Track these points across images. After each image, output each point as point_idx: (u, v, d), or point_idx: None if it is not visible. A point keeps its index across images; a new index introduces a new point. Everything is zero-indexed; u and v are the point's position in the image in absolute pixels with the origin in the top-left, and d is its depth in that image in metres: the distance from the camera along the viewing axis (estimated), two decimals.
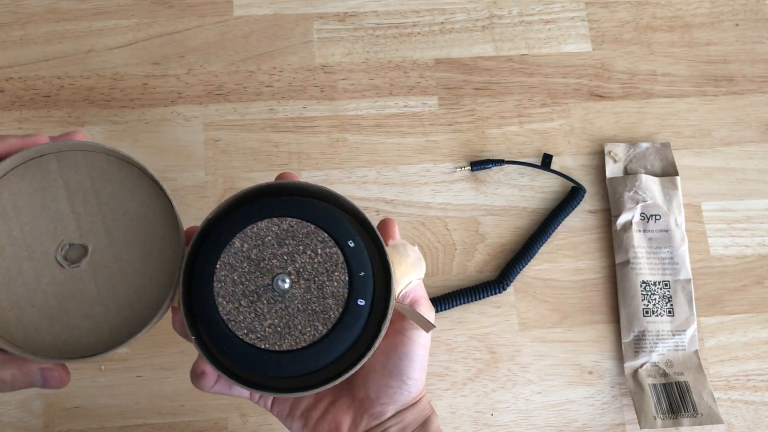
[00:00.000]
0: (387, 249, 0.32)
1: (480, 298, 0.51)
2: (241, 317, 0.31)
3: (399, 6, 0.59)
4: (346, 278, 0.31)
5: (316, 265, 0.31)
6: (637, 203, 0.54)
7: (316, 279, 0.31)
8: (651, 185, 0.54)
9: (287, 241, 0.32)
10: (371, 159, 0.55)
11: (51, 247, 0.34)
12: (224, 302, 0.31)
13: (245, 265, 0.31)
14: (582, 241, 0.54)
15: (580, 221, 0.55)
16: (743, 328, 0.53)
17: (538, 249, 0.53)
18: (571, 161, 0.56)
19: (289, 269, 0.31)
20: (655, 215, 0.54)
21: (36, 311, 0.33)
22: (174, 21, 0.57)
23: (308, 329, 0.31)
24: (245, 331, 0.31)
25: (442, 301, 0.51)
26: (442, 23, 0.59)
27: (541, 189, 0.55)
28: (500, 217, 0.54)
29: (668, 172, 0.55)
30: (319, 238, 0.32)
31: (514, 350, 0.51)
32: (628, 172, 0.55)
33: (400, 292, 0.33)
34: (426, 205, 0.54)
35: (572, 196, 0.54)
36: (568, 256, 0.54)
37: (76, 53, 0.56)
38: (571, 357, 0.52)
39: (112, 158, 0.34)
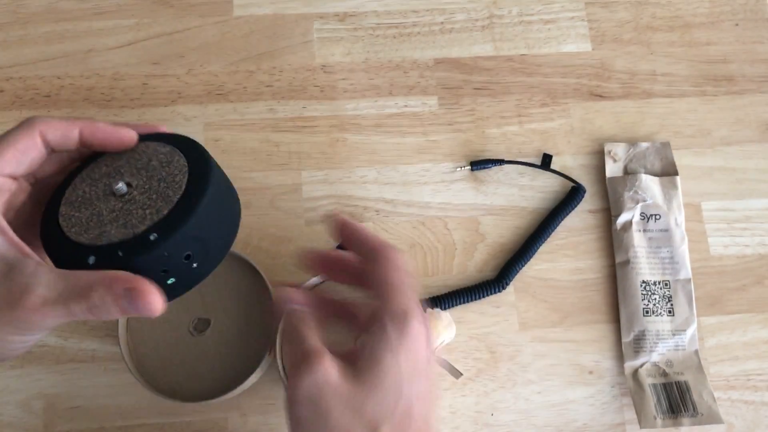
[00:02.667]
0: (426, 313, 0.39)
1: (480, 298, 0.51)
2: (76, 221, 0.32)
3: (399, 6, 0.59)
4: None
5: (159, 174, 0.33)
6: (637, 203, 0.54)
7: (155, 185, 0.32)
8: (651, 185, 0.54)
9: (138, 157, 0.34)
10: (371, 159, 0.55)
11: (186, 321, 0.46)
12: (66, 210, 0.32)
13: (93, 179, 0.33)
14: (582, 241, 0.54)
15: (580, 221, 0.55)
16: (743, 327, 0.53)
17: (538, 249, 0.53)
18: (571, 161, 0.56)
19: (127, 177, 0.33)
20: (655, 215, 0.54)
21: (175, 368, 0.45)
22: (174, 21, 0.57)
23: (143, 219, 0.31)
24: (74, 229, 0.31)
25: (442, 300, 0.51)
26: (442, 23, 0.59)
27: (541, 189, 0.55)
28: (500, 216, 0.54)
29: (668, 171, 0.55)
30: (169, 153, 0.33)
31: (514, 350, 0.51)
32: (628, 172, 0.55)
33: (434, 348, 0.41)
34: (426, 205, 0.54)
35: (572, 195, 0.54)
36: (568, 256, 0.54)
37: (76, 53, 0.56)
38: (571, 357, 0.52)
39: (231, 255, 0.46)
